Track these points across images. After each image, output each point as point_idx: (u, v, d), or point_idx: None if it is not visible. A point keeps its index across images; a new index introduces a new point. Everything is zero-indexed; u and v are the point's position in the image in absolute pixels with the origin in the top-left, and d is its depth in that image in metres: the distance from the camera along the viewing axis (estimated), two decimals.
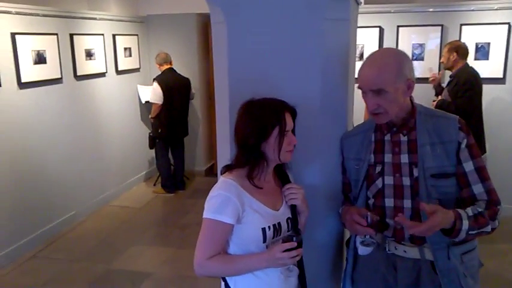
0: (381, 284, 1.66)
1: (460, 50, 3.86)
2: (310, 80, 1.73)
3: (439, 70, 4.48)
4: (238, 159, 1.54)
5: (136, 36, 5.72)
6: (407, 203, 1.57)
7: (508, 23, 4.26)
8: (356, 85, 2.10)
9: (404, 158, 1.58)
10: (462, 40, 4.37)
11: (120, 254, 3.93)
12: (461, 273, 1.55)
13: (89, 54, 4.78)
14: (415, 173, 1.55)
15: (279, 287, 1.54)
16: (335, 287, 1.94)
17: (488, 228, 1.49)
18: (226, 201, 1.45)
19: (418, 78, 4.73)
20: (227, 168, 1.57)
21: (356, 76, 2.12)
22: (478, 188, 1.52)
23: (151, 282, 3.45)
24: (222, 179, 1.53)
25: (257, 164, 1.51)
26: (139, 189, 5.70)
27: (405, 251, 1.60)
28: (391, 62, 1.51)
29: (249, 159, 1.51)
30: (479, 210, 1.49)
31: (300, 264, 1.58)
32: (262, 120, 1.48)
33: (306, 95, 1.72)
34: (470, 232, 1.46)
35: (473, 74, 3.82)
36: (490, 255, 3.66)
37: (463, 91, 3.72)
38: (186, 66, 5.71)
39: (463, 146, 1.52)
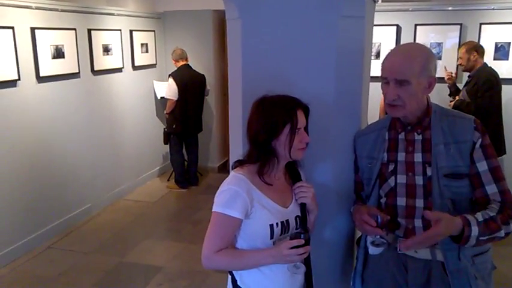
0: (391, 284, 1.65)
1: (480, 49, 3.82)
2: (324, 77, 1.72)
3: (456, 70, 4.42)
4: (249, 155, 1.55)
5: (153, 32, 5.76)
6: (419, 203, 1.55)
7: None
8: (370, 83, 2.10)
9: (418, 157, 1.56)
10: (482, 40, 4.31)
11: (133, 247, 3.98)
12: (471, 275, 1.53)
13: (106, 50, 4.84)
14: (428, 172, 1.53)
15: (285, 284, 1.54)
16: (344, 286, 1.93)
17: (502, 234, 1.45)
18: (235, 196, 1.46)
19: (437, 78, 4.67)
20: (238, 164, 1.58)
21: (372, 74, 2.13)
22: (491, 189, 1.50)
23: (162, 276, 3.48)
24: (232, 174, 1.53)
25: (268, 161, 1.52)
26: (153, 184, 5.75)
27: (416, 252, 1.58)
28: (418, 54, 1.50)
29: (259, 155, 1.51)
30: (491, 214, 1.45)
31: (307, 262, 1.58)
32: (273, 117, 1.48)
33: (319, 93, 1.71)
34: (481, 238, 1.42)
35: (493, 73, 3.77)
36: (505, 257, 3.59)
37: (484, 91, 3.68)
38: (201, 63, 5.73)
39: (477, 146, 1.50)
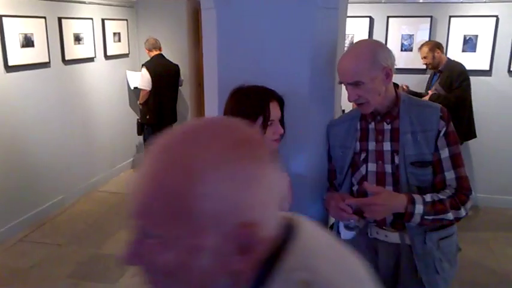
0: None
1: (441, 46, 4.09)
2: (300, 67, 1.75)
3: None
4: None
5: (125, 21, 5.67)
6: (389, 190, 1.61)
7: (496, 16, 4.31)
8: None
9: (387, 146, 1.62)
10: (450, 32, 4.44)
11: (108, 238, 3.95)
12: (437, 258, 1.61)
13: (78, 39, 4.73)
14: (396, 160, 1.59)
15: None
16: None
17: (449, 216, 1.53)
18: None
19: (409, 69, 4.76)
20: None
21: None
22: (449, 175, 1.57)
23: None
24: None
25: None
26: (127, 175, 5.70)
27: (386, 236, 1.65)
28: (363, 53, 1.56)
29: None
30: (441, 197, 1.53)
31: None
32: (246, 109, 1.50)
33: (295, 83, 1.74)
34: (425, 217, 1.51)
35: (463, 65, 4.01)
36: (471, 242, 3.75)
37: (460, 82, 3.90)
38: (175, 53, 5.67)
39: (441, 134, 1.57)
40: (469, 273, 3.39)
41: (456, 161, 1.58)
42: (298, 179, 1.77)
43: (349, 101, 1.60)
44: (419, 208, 1.50)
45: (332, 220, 1.88)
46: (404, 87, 4.12)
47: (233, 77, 1.64)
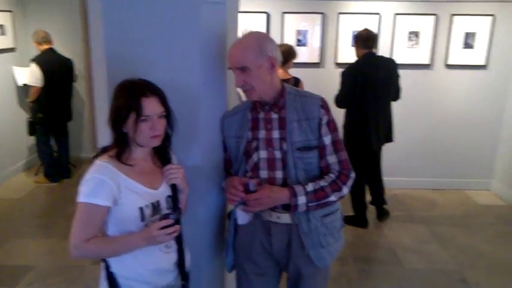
0: (259, 249, 1.82)
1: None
2: (189, 61, 1.76)
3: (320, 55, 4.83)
4: (112, 141, 1.55)
5: (10, 13, 5.20)
6: (278, 174, 1.73)
7: (378, 13, 4.71)
8: None
9: (276, 134, 1.73)
10: (340, 28, 4.75)
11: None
12: (321, 233, 1.76)
13: None
14: (284, 147, 1.71)
15: (158, 264, 1.59)
16: (219, 259, 2.04)
17: (332, 198, 1.73)
18: (100, 184, 1.46)
19: (304, 63, 4.94)
20: (103, 151, 1.57)
21: None
22: (332, 158, 1.75)
23: (34, 275, 3.25)
24: (96, 162, 1.52)
25: (124, 146, 1.54)
26: (18, 180, 5.26)
27: (278, 217, 1.77)
28: (251, 41, 1.67)
29: (116, 140, 1.53)
30: (322, 184, 1.71)
31: (178, 240, 1.64)
32: (118, 104, 1.50)
33: (184, 77, 1.76)
34: (309, 204, 1.69)
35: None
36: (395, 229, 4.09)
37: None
38: (68, 47, 5.35)
39: (323, 122, 1.72)
40: (361, 249, 3.70)
41: (337, 146, 1.75)
42: (194, 170, 1.81)
43: (236, 86, 1.71)
44: (302, 199, 1.67)
45: (230, 208, 1.94)
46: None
47: (123, 70, 1.61)
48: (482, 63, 4.78)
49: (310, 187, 1.69)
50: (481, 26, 4.70)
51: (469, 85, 4.87)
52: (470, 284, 3.23)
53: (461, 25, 4.71)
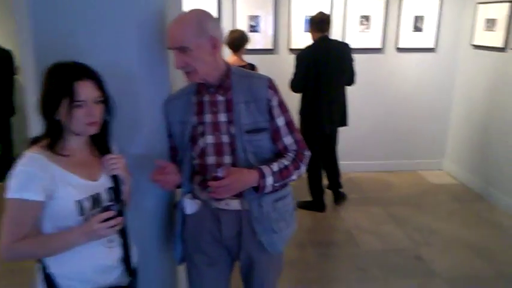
0: (209, 239, 1.75)
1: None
2: (125, 44, 1.64)
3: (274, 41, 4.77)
4: (43, 130, 1.42)
5: None
6: (227, 159, 1.65)
7: None
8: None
9: (222, 117, 1.64)
10: (292, 13, 4.70)
11: None
12: (273, 219, 1.71)
13: None
14: (232, 130, 1.63)
15: (101, 260, 1.49)
16: (167, 250, 1.95)
17: (294, 177, 1.70)
18: (30, 177, 1.34)
19: (258, 49, 4.85)
20: (33, 142, 1.43)
21: None
22: (288, 140, 1.70)
23: None
24: (25, 154, 1.39)
25: (57, 135, 1.42)
26: None
27: (227, 204, 1.69)
28: (190, 19, 1.56)
29: (48, 129, 1.41)
30: (285, 163, 1.67)
31: (122, 234, 1.54)
32: (49, 90, 1.38)
33: (121, 60, 1.64)
34: (275, 184, 1.64)
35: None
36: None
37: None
38: (5, 36, 5.01)
39: (274, 103, 1.66)
40: (319, 234, 3.71)
41: (291, 127, 1.71)
42: (138, 160, 1.70)
43: (177, 67, 1.59)
44: (269, 180, 1.61)
45: (177, 198, 1.85)
46: None
47: (52, 52, 1.47)
48: (431, 46, 4.90)
49: (275, 167, 1.64)
50: (429, 9, 4.80)
51: (420, 68, 4.98)
52: (426, 260, 3.31)
53: (411, 8, 4.79)
